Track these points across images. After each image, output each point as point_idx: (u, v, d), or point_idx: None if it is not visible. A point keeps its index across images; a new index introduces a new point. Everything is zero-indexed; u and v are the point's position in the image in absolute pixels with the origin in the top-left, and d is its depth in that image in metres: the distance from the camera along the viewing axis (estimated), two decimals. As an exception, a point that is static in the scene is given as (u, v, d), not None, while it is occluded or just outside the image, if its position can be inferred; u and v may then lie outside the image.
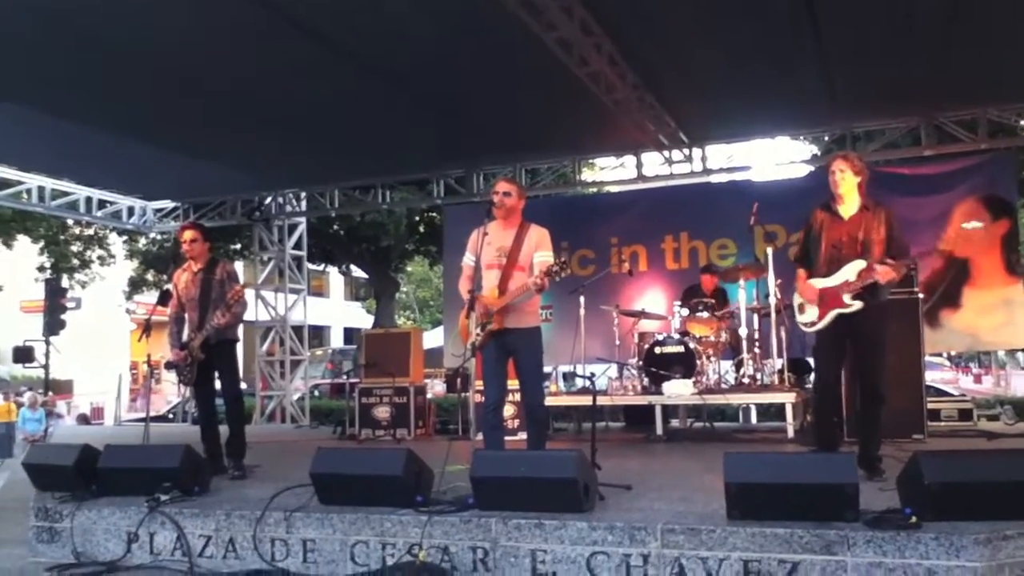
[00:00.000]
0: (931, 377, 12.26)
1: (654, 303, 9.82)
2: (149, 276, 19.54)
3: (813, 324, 4.94)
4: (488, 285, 4.96)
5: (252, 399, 14.06)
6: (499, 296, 4.88)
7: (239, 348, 6.21)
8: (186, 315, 5.92)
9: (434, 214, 17.26)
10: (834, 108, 9.23)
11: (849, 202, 4.86)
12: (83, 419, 19.87)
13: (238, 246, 17.61)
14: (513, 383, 5.24)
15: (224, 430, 5.90)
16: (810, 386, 7.91)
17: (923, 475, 3.48)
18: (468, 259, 5.09)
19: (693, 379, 7.87)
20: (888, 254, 4.72)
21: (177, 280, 6.04)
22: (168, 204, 13.68)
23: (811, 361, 7.88)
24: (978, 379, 25.95)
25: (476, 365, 7.88)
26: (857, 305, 4.74)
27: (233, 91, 8.26)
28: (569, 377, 9.38)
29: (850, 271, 4.78)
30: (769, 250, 7.75)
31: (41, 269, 18.96)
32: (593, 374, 8.23)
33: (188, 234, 5.95)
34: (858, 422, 5.06)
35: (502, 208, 4.97)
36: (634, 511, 3.98)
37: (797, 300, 5.10)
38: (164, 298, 6.31)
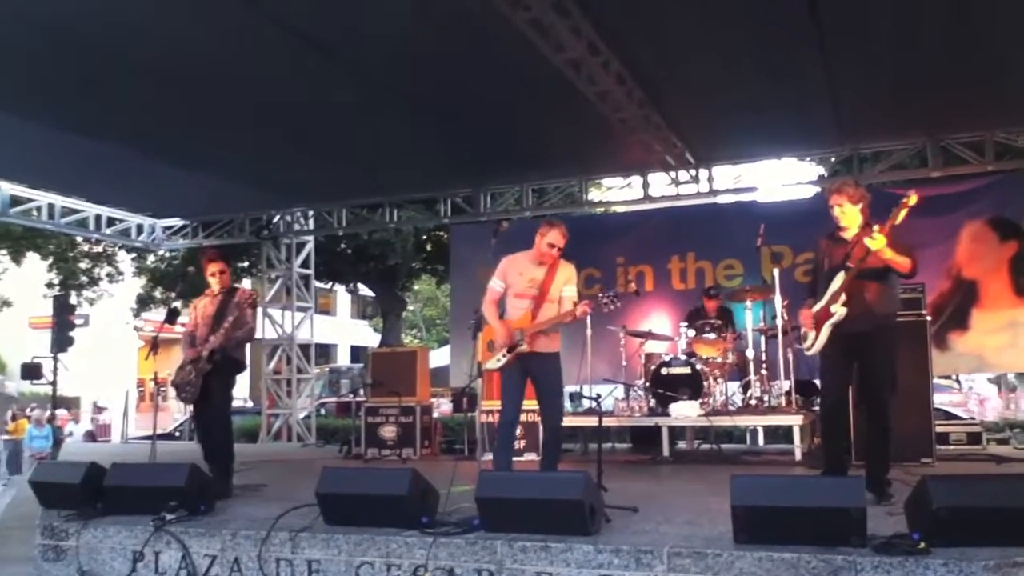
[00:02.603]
0: (940, 400, 12.18)
1: (660, 324, 9.81)
2: (157, 293, 19.62)
3: (811, 348, 4.98)
4: (518, 314, 5.18)
5: (259, 417, 14.08)
6: (532, 321, 5.11)
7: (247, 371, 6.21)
8: (197, 333, 5.93)
9: (441, 233, 17.30)
10: (840, 129, 9.25)
11: (854, 228, 4.92)
12: (89, 436, 19.90)
13: (246, 264, 17.68)
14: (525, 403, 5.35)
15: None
16: (818, 408, 7.90)
17: (931, 500, 3.46)
18: (497, 284, 5.31)
19: (700, 401, 7.84)
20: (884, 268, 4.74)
21: (197, 302, 6.10)
22: (177, 222, 13.75)
23: (819, 383, 7.90)
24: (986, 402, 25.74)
25: (483, 385, 7.93)
26: (842, 312, 4.76)
27: (241, 109, 8.31)
28: (575, 398, 9.34)
29: (835, 283, 4.83)
30: (776, 271, 7.77)
31: (50, 286, 19.06)
32: (599, 395, 8.18)
33: (217, 266, 5.96)
34: (865, 447, 5.05)
35: (548, 256, 5.17)
36: (640, 534, 3.97)
37: (803, 330, 5.11)
38: (172, 316, 6.35)
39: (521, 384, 5.17)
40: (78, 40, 6.81)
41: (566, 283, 5.21)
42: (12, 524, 6.00)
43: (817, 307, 4.93)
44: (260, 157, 9.92)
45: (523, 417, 7.60)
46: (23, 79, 7.58)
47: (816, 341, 4.92)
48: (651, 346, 8.88)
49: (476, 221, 11.50)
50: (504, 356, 5.10)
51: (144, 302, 20.17)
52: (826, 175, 12.86)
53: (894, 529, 3.58)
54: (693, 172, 10.31)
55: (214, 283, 5.98)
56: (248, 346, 6.13)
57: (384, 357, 10.37)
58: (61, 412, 15.05)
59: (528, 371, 5.14)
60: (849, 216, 4.89)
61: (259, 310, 12.35)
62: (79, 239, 17.88)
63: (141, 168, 10.20)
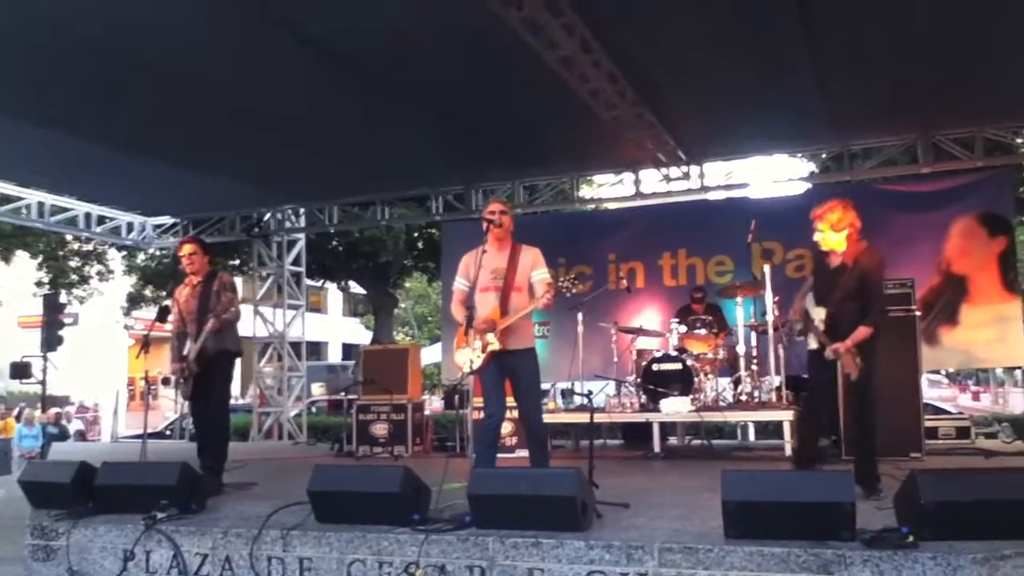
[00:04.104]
0: (929, 395, 12.23)
1: (652, 320, 9.82)
2: (147, 292, 19.55)
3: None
4: (485, 308, 4.97)
5: (249, 416, 14.04)
6: (502, 316, 4.91)
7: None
8: (187, 329, 5.91)
9: (433, 230, 17.29)
10: (831, 125, 9.27)
11: (838, 252, 4.93)
12: (80, 435, 19.81)
13: (237, 262, 17.63)
14: (509, 401, 5.25)
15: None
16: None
17: (920, 494, 3.49)
18: (460, 283, 5.11)
19: (691, 396, 7.86)
20: (859, 309, 4.79)
21: (179, 295, 6.07)
22: (167, 220, 13.69)
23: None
24: (976, 396, 25.93)
25: (475, 383, 7.92)
26: (814, 346, 4.92)
27: (233, 107, 8.27)
28: (567, 394, 9.35)
29: (819, 314, 4.91)
30: (766, 267, 7.79)
31: (39, 284, 18.96)
32: (591, 391, 8.21)
33: (187, 248, 5.98)
34: (853, 442, 5.10)
35: (500, 227, 4.99)
36: (632, 529, 3.98)
37: (793, 320, 5.24)
38: (163, 314, 6.32)
39: (501, 383, 4.98)
40: (73, 39, 6.77)
41: (533, 268, 4.97)
42: (1, 524, 5.96)
43: (806, 310, 5.02)
44: (251, 155, 9.87)
45: (516, 414, 7.65)
46: (19, 78, 7.53)
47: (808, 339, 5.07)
48: (642, 342, 8.89)
49: (468, 218, 11.49)
50: (478, 356, 4.91)
51: (134, 300, 20.10)
52: (817, 171, 12.90)
53: (883, 523, 3.60)
54: (684, 169, 10.31)
55: (186, 264, 5.96)
56: (239, 329, 6.07)
57: (376, 355, 10.37)
58: (67, 409, 15.01)
59: (506, 369, 4.96)
60: (829, 242, 4.89)
61: (251, 308, 12.34)
62: (69, 237, 17.79)
63: (131, 166, 10.14)
